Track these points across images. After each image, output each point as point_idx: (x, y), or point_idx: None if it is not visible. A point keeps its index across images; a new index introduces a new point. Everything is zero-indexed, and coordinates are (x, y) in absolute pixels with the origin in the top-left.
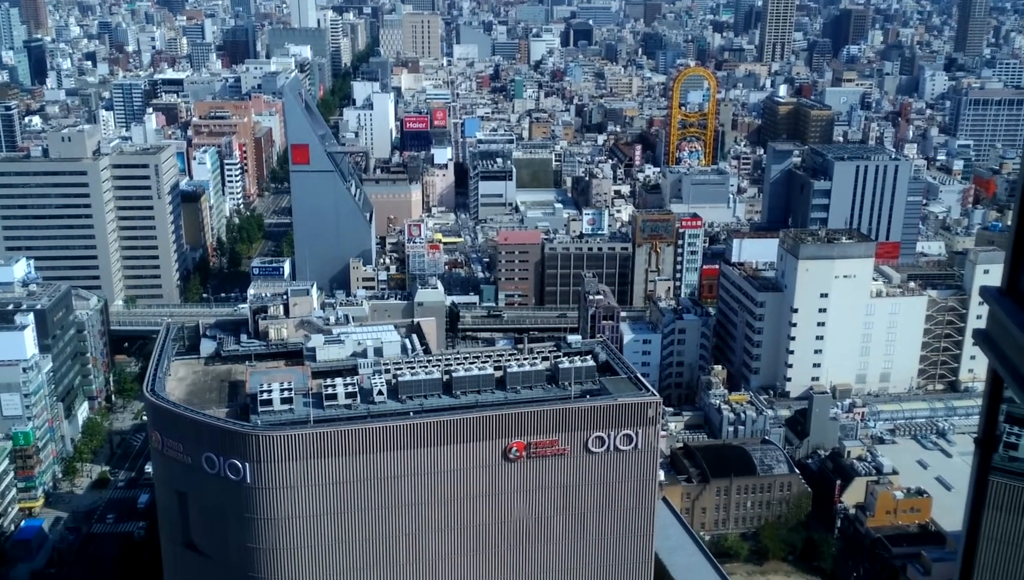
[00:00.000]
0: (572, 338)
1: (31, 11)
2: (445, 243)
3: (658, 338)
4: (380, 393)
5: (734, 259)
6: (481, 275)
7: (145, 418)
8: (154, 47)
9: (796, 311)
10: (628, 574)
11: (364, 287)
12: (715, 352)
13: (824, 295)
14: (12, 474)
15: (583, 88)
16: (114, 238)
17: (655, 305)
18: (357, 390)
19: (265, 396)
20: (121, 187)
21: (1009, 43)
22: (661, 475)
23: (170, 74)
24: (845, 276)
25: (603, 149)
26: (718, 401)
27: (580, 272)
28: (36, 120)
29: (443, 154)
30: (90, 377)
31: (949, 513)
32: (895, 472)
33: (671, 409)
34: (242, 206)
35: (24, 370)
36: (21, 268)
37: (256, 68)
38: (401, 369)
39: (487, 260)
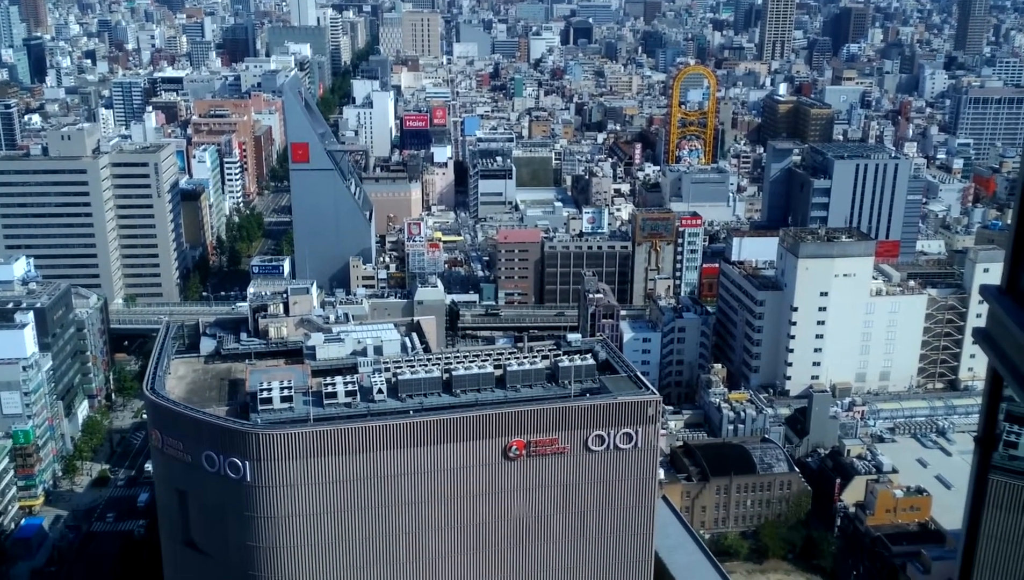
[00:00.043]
0: (572, 337)
1: (31, 9)
2: (445, 242)
3: (658, 337)
4: (380, 391)
5: (734, 258)
6: (481, 274)
7: (145, 416)
8: (154, 45)
9: (796, 310)
10: (628, 572)
11: (364, 286)
12: (715, 351)
13: (824, 294)
14: (12, 472)
15: (583, 86)
16: (114, 237)
17: (655, 304)
18: (357, 388)
19: (265, 394)
20: (121, 185)
21: (1009, 41)
22: (661, 474)
23: (170, 72)
24: (845, 275)
25: (603, 148)
26: (718, 400)
27: (580, 271)
28: (36, 118)
29: (443, 153)
30: (90, 375)
31: (949, 512)
32: (895, 471)
33: (671, 408)
34: (242, 204)
35: (24, 368)
36: (21, 266)
37: (256, 66)
38: (401, 367)
39: (487, 259)
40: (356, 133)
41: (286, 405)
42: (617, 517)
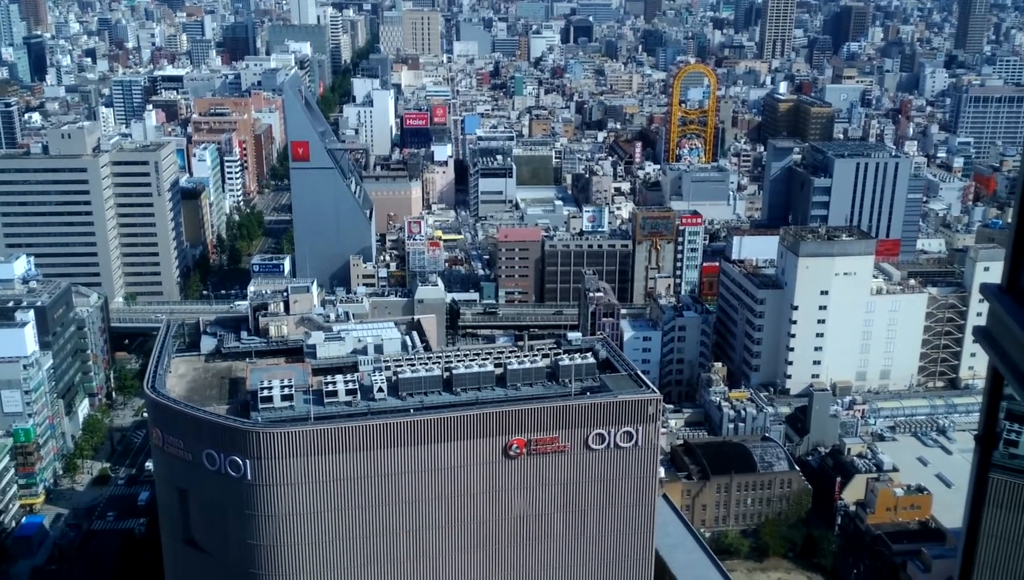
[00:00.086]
0: (572, 335)
1: (31, 8)
2: (445, 240)
3: (658, 335)
4: (380, 390)
5: (734, 256)
6: (481, 272)
7: (145, 415)
8: (154, 44)
9: (796, 308)
10: (628, 571)
11: (364, 284)
12: (715, 349)
13: (824, 292)
14: (13, 470)
15: (583, 85)
16: (114, 235)
17: (655, 302)
18: (357, 387)
19: (265, 393)
20: (121, 184)
21: (1009, 40)
22: (661, 472)
23: (170, 71)
24: (845, 273)
25: (603, 146)
26: (718, 398)
27: (580, 269)
28: (36, 117)
29: (443, 151)
30: (90, 374)
31: (949, 510)
32: (895, 469)
33: (671, 406)
34: (242, 203)
35: (24, 367)
36: (21, 265)
37: (256, 65)
38: (401, 366)
39: (487, 257)
40: (356, 132)
41: (287, 403)
42: (618, 516)
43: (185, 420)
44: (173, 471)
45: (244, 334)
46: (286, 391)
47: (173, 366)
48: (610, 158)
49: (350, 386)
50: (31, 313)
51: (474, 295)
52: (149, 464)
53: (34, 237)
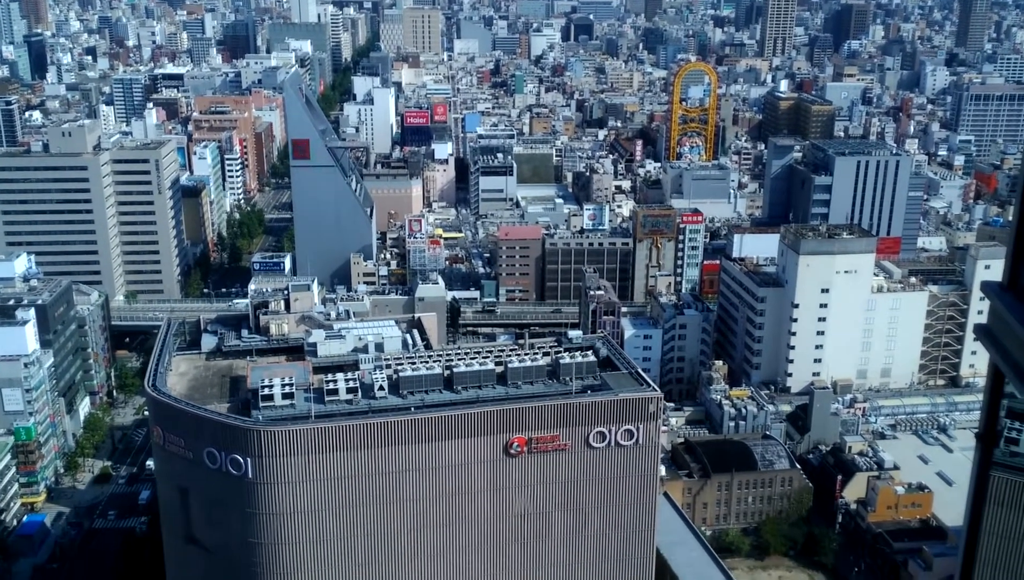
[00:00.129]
0: (573, 333)
1: (31, 6)
2: (446, 238)
3: (659, 333)
4: (381, 388)
5: (735, 254)
6: (482, 270)
7: (146, 413)
8: (154, 42)
9: (797, 306)
10: (629, 569)
11: (365, 282)
12: (716, 347)
13: (825, 290)
14: (14, 469)
15: (584, 83)
16: (115, 233)
17: (656, 300)
18: (358, 385)
19: (266, 391)
20: (122, 182)
21: (1010, 38)
22: (662, 470)
23: (170, 69)
24: (846, 271)
25: (604, 144)
26: (719, 396)
27: (581, 267)
28: (36, 115)
29: (444, 149)
30: (91, 372)
31: (950, 508)
32: (896, 467)
33: (672, 404)
34: (243, 201)
35: (25, 365)
36: (22, 263)
37: (256, 63)
38: (402, 364)
39: (488, 255)
40: (357, 130)
41: (287, 402)
42: (618, 514)
43: (186, 418)
44: (174, 469)
45: (245, 332)
46: (287, 389)
47: (174, 364)
48: (611, 156)
49: (351, 384)
50: (32, 311)
51: (475, 293)
52: (150, 462)
53: (35, 235)
